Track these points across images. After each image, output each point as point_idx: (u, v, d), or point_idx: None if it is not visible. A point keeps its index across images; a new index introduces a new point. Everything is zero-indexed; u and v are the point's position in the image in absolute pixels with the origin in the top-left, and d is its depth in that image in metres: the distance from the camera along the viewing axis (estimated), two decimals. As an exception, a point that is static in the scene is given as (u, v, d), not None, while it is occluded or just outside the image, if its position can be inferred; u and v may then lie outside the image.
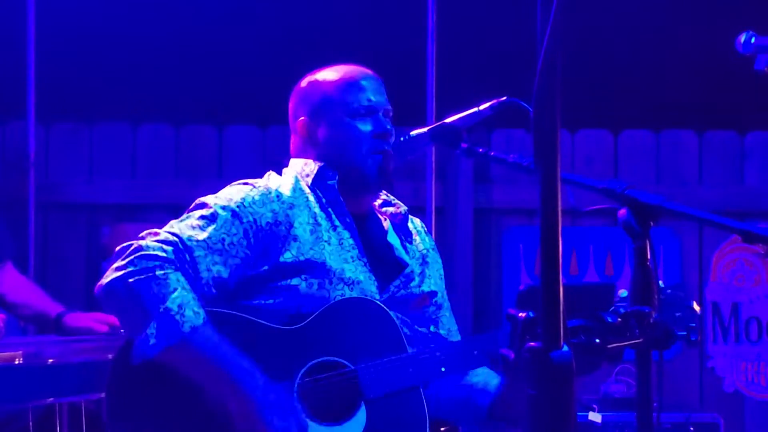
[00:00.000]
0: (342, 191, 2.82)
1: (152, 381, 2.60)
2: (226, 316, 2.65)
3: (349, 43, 5.04)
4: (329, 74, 2.89)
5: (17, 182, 5.19)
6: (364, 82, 2.86)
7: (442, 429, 2.96)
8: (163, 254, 2.60)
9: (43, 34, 5.12)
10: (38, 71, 5.12)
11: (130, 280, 2.56)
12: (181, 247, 2.62)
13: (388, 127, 2.84)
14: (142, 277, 2.56)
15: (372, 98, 2.85)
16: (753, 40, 2.89)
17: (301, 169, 2.87)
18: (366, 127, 2.83)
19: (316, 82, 2.90)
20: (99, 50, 5.25)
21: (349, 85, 2.85)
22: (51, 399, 3.49)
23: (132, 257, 2.59)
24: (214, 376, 2.56)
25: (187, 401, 2.60)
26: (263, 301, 2.71)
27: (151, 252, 2.59)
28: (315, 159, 2.86)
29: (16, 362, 3.43)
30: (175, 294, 2.55)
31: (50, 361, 3.46)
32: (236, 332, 2.61)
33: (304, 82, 2.93)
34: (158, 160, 5.52)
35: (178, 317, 2.53)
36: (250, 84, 5.33)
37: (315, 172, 2.84)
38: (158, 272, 2.56)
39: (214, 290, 2.67)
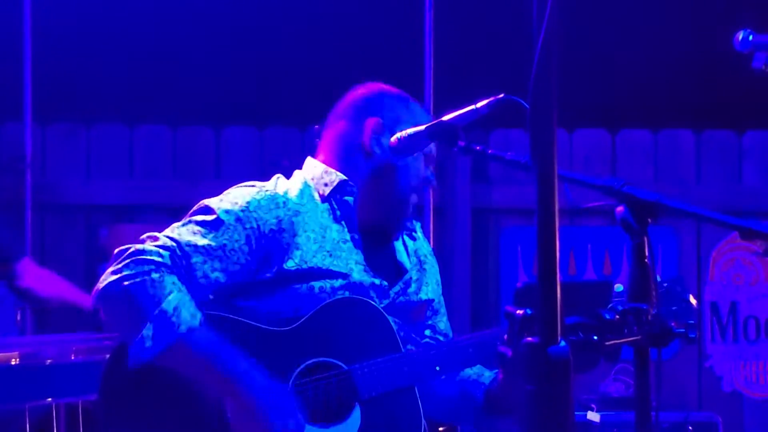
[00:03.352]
0: (358, 209, 2.78)
1: (146, 383, 2.59)
2: (218, 318, 2.63)
3: (346, 41, 5.04)
4: (418, 105, 2.89)
5: (14, 183, 5.19)
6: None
7: (441, 429, 2.95)
8: (159, 258, 2.57)
9: (39, 34, 5.12)
10: (35, 72, 5.11)
11: (126, 282, 2.54)
12: (178, 253, 2.60)
13: (433, 180, 2.89)
14: (138, 279, 2.54)
15: (434, 151, 2.87)
16: (751, 37, 2.89)
17: (320, 176, 2.80)
18: (423, 167, 2.85)
19: (408, 99, 2.87)
20: (95, 51, 5.25)
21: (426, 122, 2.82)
22: (48, 399, 3.48)
23: (128, 261, 2.57)
24: (213, 377, 2.54)
25: (181, 403, 2.59)
26: (260, 303, 2.69)
27: (148, 256, 2.57)
28: (351, 164, 2.80)
29: (13, 362, 3.42)
30: (171, 296, 2.53)
31: (48, 361, 3.45)
32: (229, 334, 2.59)
33: (392, 88, 2.89)
34: (155, 161, 5.52)
35: (174, 319, 2.52)
36: (247, 85, 5.33)
37: (335, 184, 2.79)
38: (154, 275, 2.54)
39: (210, 295, 2.65)
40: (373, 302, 2.70)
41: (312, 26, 5.35)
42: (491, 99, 2.68)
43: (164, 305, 2.52)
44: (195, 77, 5.34)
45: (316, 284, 2.68)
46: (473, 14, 5.35)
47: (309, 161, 2.86)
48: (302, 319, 2.65)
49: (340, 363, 2.64)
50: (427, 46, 5.03)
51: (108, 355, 2.68)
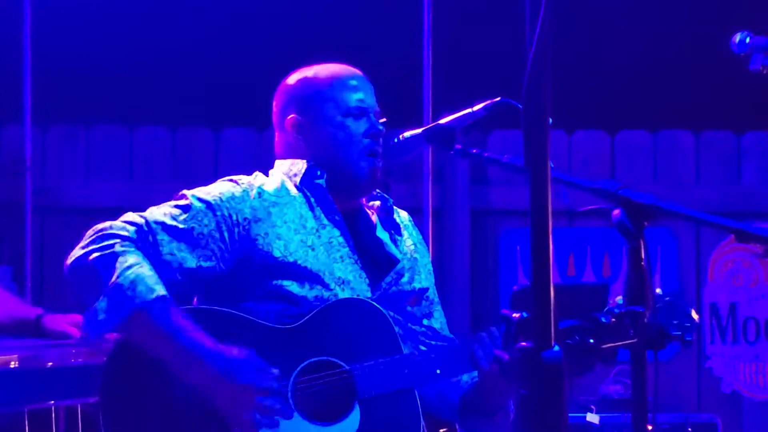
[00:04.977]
0: (331, 189, 2.81)
1: (145, 382, 2.60)
2: (223, 313, 2.66)
3: (345, 44, 5.03)
4: (320, 72, 2.88)
5: (13, 186, 5.19)
6: (355, 82, 2.85)
7: (442, 430, 2.95)
8: (125, 233, 2.63)
9: (39, 36, 5.12)
10: (34, 74, 5.12)
11: (91, 257, 2.60)
12: (145, 229, 2.65)
13: (380, 127, 2.83)
14: (103, 253, 2.59)
15: (364, 98, 2.84)
16: (748, 40, 2.89)
17: (288, 170, 2.85)
18: (358, 127, 2.82)
19: (306, 79, 2.87)
20: (95, 53, 5.25)
21: (341, 84, 2.84)
22: (48, 402, 3.48)
23: (95, 236, 2.64)
24: (172, 350, 2.55)
25: (179, 400, 2.59)
26: (256, 302, 2.70)
27: (114, 231, 2.63)
28: (303, 157, 2.85)
29: (12, 365, 3.42)
30: (130, 271, 2.56)
31: (48, 364, 3.45)
32: (232, 330, 2.61)
33: (291, 80, 2.90)
34: (155, 163, 5.52)
35: (129, 292, 2.54)
36: (246, 87, 5.32)
37: (303, 171, 2.83)
38: (118, 248, 2.60)
39: (179, 276, 2.66)
40: (374, 303, 2.71)
41: (310, 28, 5.36)
42: (488, 102, 2.69)
43: (120, 279, 2.55)
44: (194, 79, 5.34)
45: (306, 283, 2.70)
46: (471, 16, 5.35)
47: (276, 162, 2.90)
48: (305, 318, 2.67)
49: (341, 362, 2.65)
50: (425, 49, 5.03)
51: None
